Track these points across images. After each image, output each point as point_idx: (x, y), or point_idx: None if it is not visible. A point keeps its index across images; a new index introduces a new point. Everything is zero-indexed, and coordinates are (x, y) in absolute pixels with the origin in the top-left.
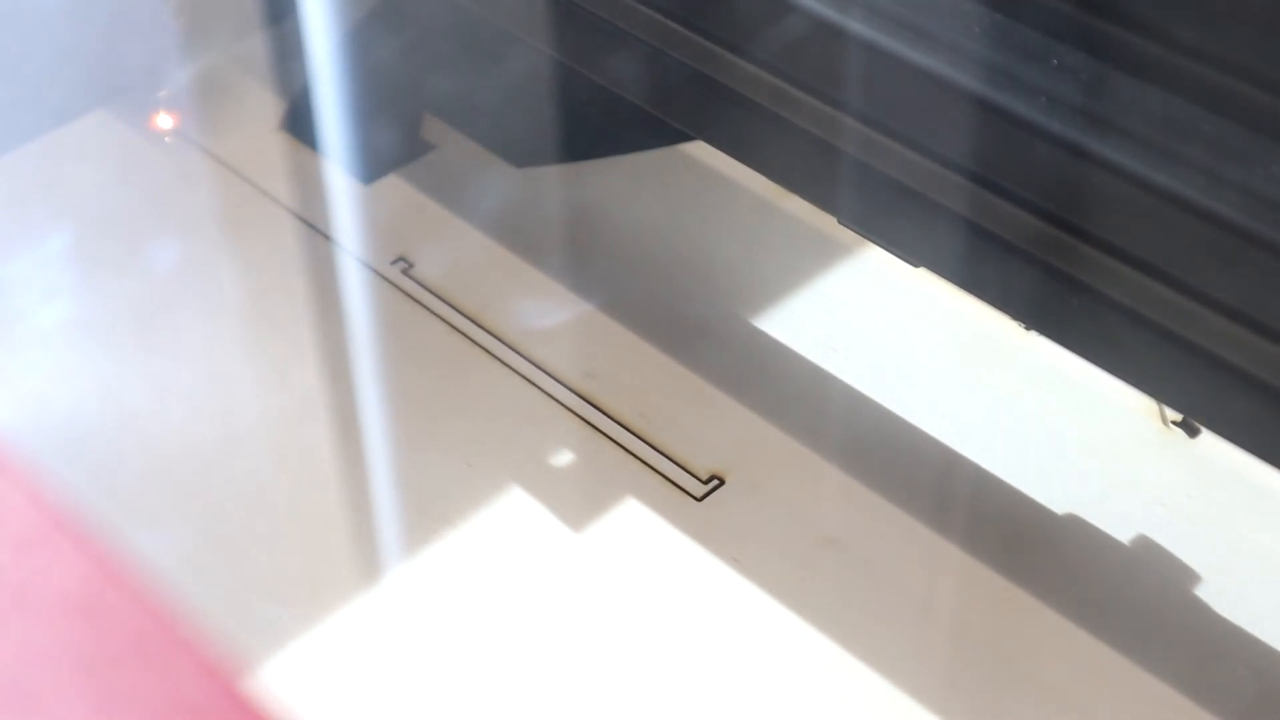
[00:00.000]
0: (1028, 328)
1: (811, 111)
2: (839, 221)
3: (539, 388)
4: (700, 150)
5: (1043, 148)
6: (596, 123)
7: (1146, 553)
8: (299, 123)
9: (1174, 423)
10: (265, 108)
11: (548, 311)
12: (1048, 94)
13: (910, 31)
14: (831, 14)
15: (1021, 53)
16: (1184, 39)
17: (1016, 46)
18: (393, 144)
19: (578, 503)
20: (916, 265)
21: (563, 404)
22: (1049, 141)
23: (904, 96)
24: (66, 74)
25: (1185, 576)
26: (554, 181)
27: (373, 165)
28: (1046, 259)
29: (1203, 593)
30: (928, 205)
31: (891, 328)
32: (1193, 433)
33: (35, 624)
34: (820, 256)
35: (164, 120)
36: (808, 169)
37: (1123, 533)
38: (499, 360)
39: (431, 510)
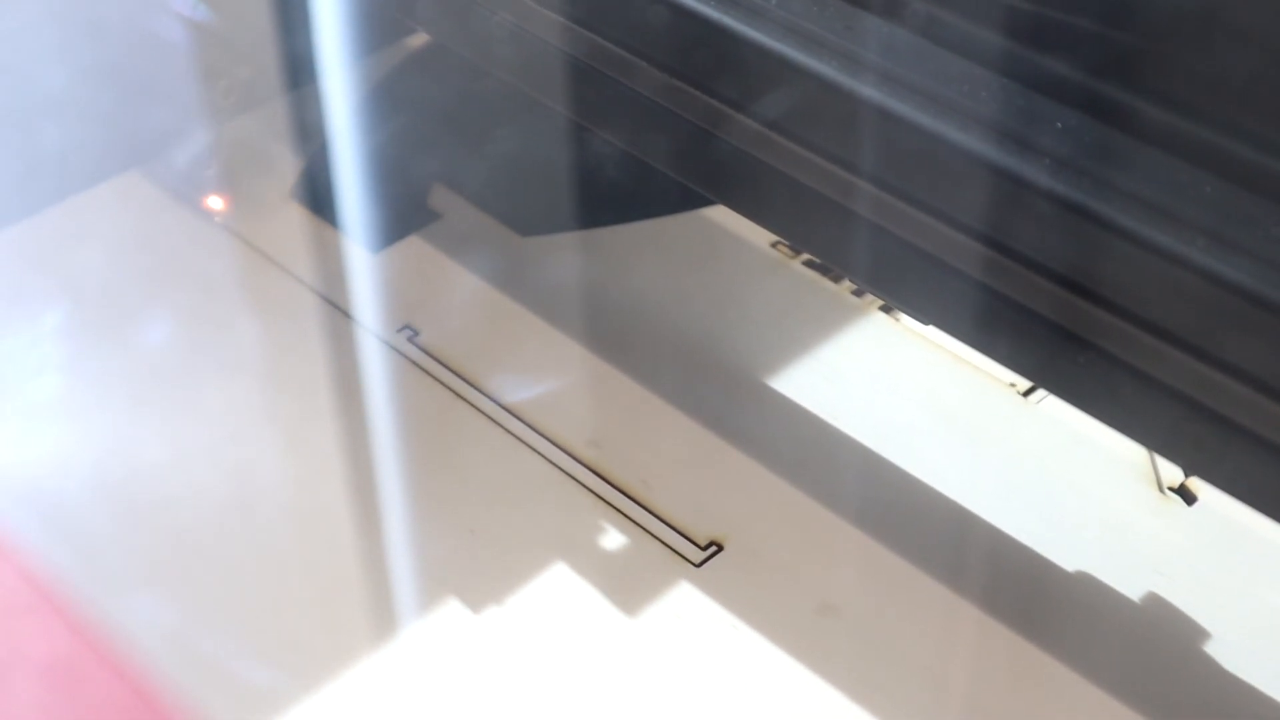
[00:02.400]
0: (1029, 390)
1: (823, 173)
2: (851, 280)
3: (542, 455)
4: (699, 218)
5: (1047, 208)
6: (600, 192)
7: (1148, 615)
8: (309, 191)
9: (1171, 489)
10: (277, 175)
11: (552, 379)
12: (1052, 155)
13: (919, 96)
14: (842, 78)
15: (1027, 116)
16: (1186, 101)
17: (1022, 110)
18: (401, 213)
19: (577, 569)
20: (926, 323)
21: (565, 471)
22: (1053, 202)
23: (914, 159)
24: (85, 140)
25: (1189, 637)
26: (558, 249)
27: (380, 234)
28: (1052, 317)
29: (1208, 652)
30: (936, 265)
31: (893, 394)
32: (1189, 500)
33: (16, 693)
34: (824, 321)
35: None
36: (820, 229)
37: (1122, 599)
38: (503, 428)
39: (432, 576)
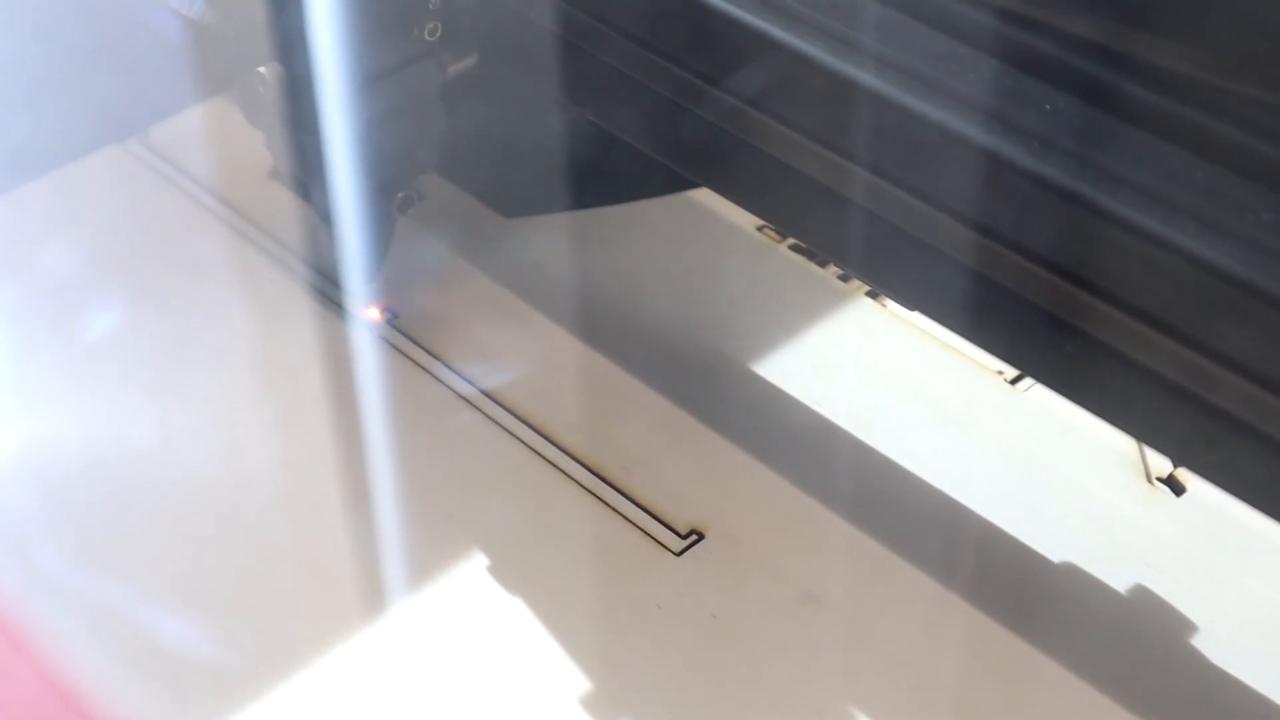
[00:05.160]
0: (1017, 378)
1: (809, 155)
2: (836, 265)
3: (520, 440)
4: (684, 200)
5: (1034, 192)
6: (585, 174)
7: (1135, 606)
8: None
9: (1159, 480)
10: (259, 153)
11: (533, 364)
12: (1041, 140)
13: (906, 76)
14: (828, 58)
15: (1016, 99)
16: (1176, 84)
17: (1012, 92)
18: (385, 242)
19: (556, 557)
20: (911, 309)
21: (544, 456)
22: (1040, 186)
23: (900, 141)
24: (70, 112)
25: (1176, 630)
26: (542, 232)
27: (364, 265)
28: (1039, 303)
29: (1195, 645)
30: (922, 250)
31: (879, 381)
32: (1178, 491)
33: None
34: (809, 307)
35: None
36: (806, 214)
37: (1109, 590)
38: (481, 411)
39: (408, 561)
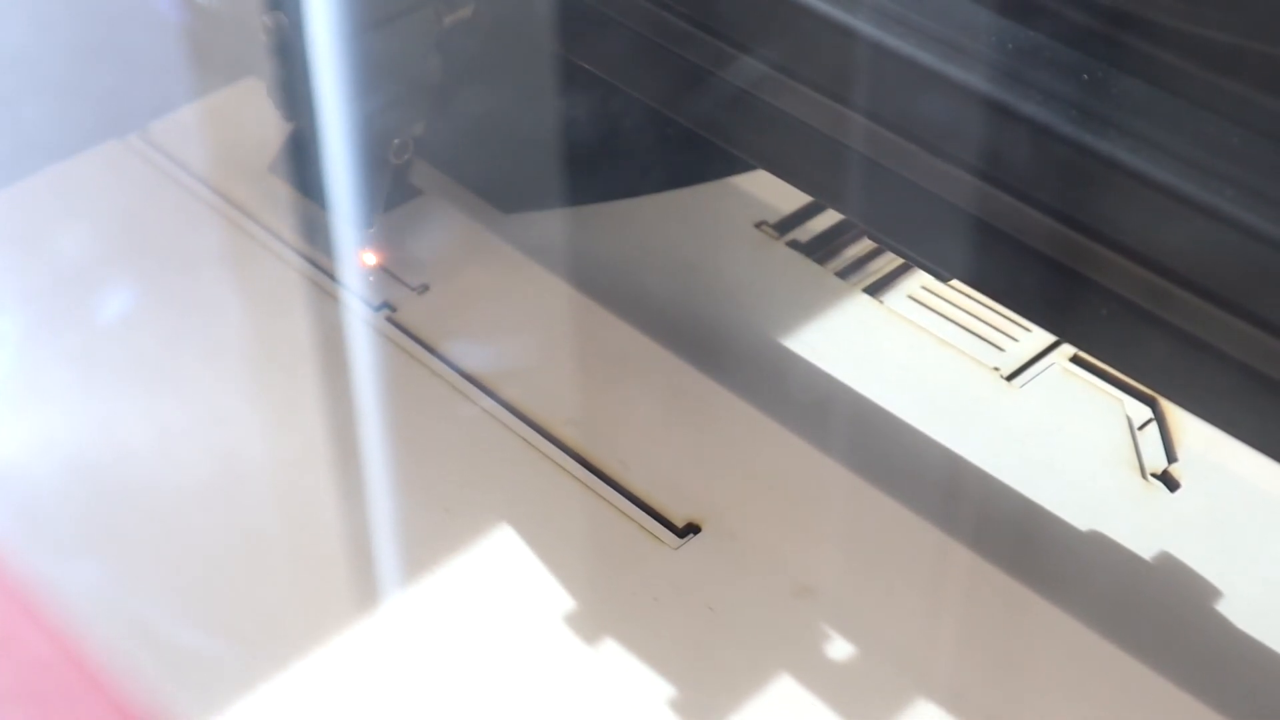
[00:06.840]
0: (1013, 374)
1: (853, 127)
2: (869, 236)
3: (519, 435)
4: (682, 197)
5: (1076, 160)
6: (584, 170)
7: (1128, 603)
8: (289, 165)
9: (1153, 475)
10: (258, 147)
11: (531, 358)
12: (1080, 107)
13: (950, 49)
14: (877, 33)
15: (1054, 67)
16: (1217, 61)
17: (1049, 61)
18: (381, 189)
19: (553, 551)
20: (947, 279)
21: (542, 451)
22: (1081, 154)
23: (947, 112)
24: (68, 108)
25: (1169, 627)
26: (540, 227)
27: (361, 209)
28: (1079, 269)
29: (1187, 641)
30: (961, 217)
31: (876, 375)
32: (1172, 486)
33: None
34: (807, 303)
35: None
36: (845, 182)
37: (1103, 585)
38: (480, 407)
39: (407, 555)
